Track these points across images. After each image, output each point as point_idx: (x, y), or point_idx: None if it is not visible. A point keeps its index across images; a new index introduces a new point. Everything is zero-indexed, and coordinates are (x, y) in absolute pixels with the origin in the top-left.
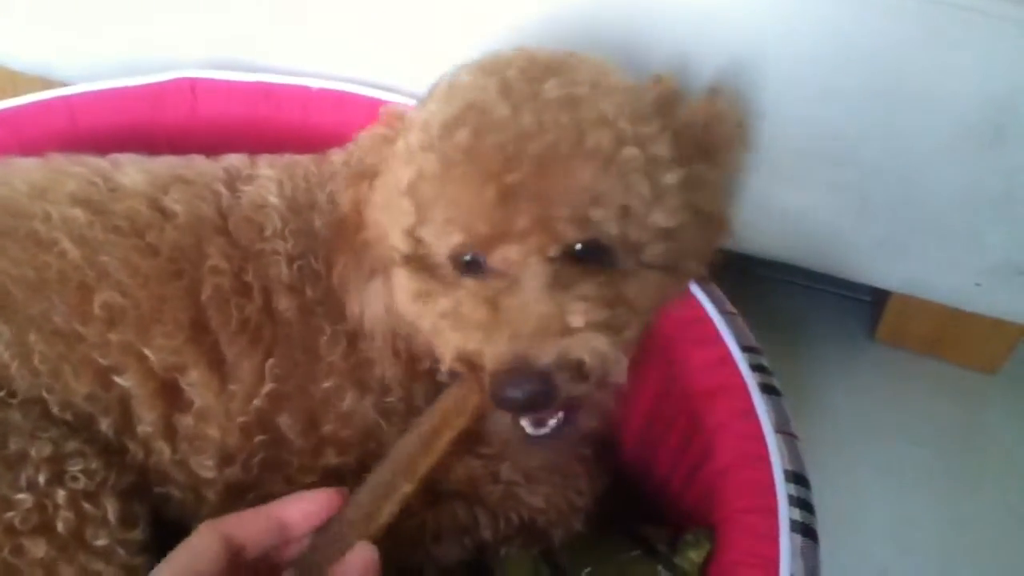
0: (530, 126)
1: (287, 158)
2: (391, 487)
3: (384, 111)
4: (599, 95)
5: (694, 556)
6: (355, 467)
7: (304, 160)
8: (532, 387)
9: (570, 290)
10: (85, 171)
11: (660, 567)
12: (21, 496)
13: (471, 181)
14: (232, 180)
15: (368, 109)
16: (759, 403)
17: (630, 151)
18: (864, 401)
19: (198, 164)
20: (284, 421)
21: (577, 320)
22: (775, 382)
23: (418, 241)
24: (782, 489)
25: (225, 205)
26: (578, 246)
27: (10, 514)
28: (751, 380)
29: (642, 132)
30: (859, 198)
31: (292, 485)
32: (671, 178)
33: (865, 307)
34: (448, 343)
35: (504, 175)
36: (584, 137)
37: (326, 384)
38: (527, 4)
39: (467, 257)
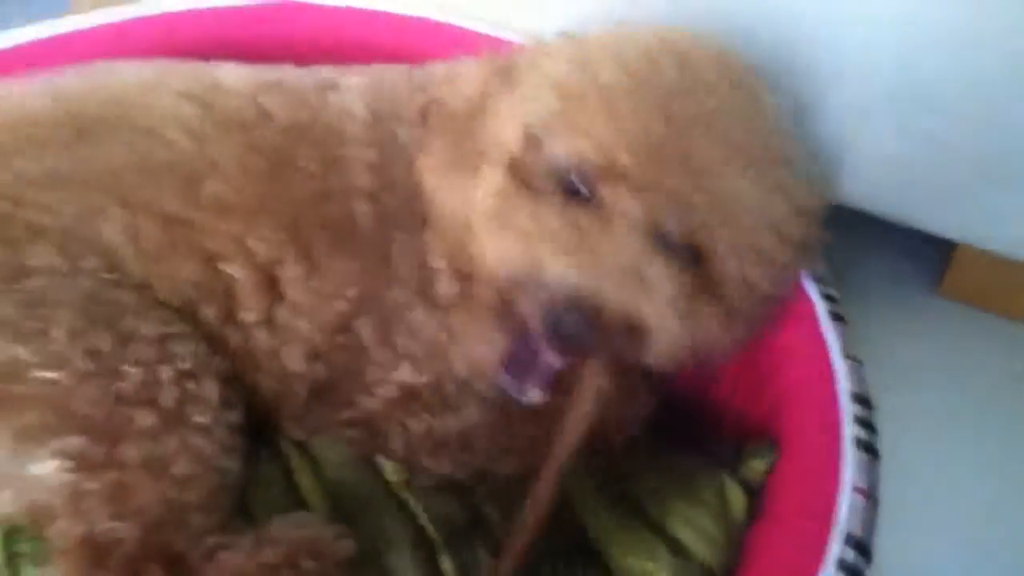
0: (719, 116)
1: (376, 69)
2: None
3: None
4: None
5: (758, 465)
6: (431, 386)
7: (393, 72)
8: (586, 333)
9: (660, 265)
10: (189, 70)
11: (725, 475)
12: (132, 369)
13: (644, 113)
14: (322, 87)
15: (444, 35)
16: (827, 328)
17: (784, 201)
18: (924, 355)
19: (291, 71)
20: (362, 327)
21: (662, 286)
22: (842, 311)
23: (531, 143)
24: (847, 408)
25: (314, 111)
26: (687, 242)
27: (122, 384)
28: (820, 307)
29: (799, 197)
30: (934, 145)
31: (372, 396)
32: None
33: (931, 262)
34: (510, 251)
35: (678, 133)
36: (764, 168)
37: (397, 295)
38: None
39: (577, 178)
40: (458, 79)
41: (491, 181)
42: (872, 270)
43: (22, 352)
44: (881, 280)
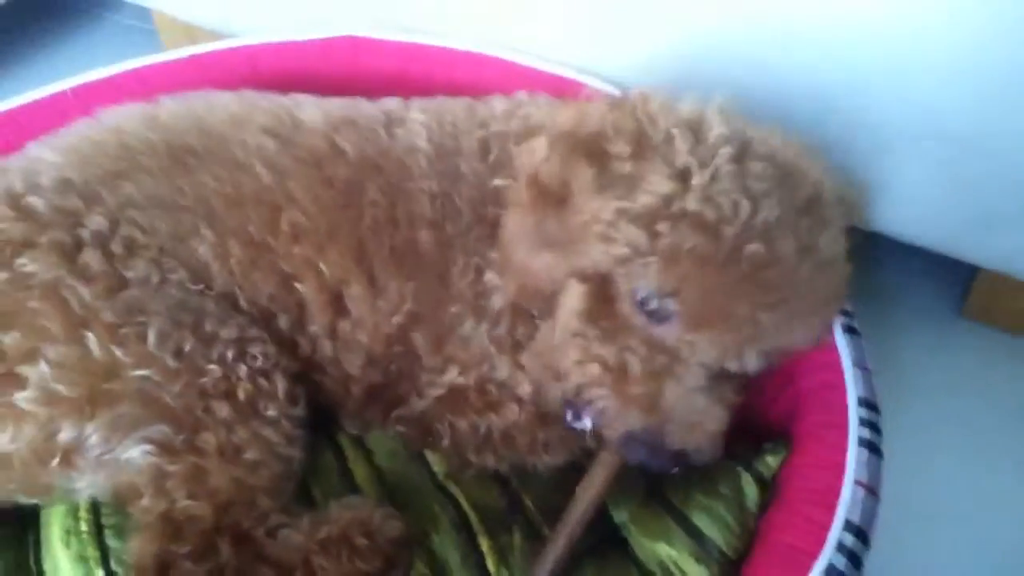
0: (801, 283)
1: (438, 103)
2: (573, 537)
3: (623, 96)
4: (834, 243)
5: (772, 461)
6: (476, 387)
7: (455, 105)
8: (659, 458)
9: (717, 400)
10: (272, 106)
11: (740, 468)
12: (212, 367)
13: (739, 289)
14: (390, 123)
15: (503, 71)
16: (840, 339)
17: (836, 307)
18: (948, 374)
19: (362, 107)
20: (417, 337)
21: (713, 424)
22: (855, 324)
23: (620, 264)
24: (854, 411)
25: (383, 146)
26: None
27: (203, 380)
28: (836, 321)
29: (844, 273)
30: (955, 174)
31: (421, 397)
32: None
33: (955, 285)
34: (590, 379)
35: (765, 307)
36: (817, 294)
37: (452, 309)
38: None
39: (659, 307)
40: (537, 147)
41: (574, 297)
42: (899, 293)
43: (119, 353)
44: (907, 302)
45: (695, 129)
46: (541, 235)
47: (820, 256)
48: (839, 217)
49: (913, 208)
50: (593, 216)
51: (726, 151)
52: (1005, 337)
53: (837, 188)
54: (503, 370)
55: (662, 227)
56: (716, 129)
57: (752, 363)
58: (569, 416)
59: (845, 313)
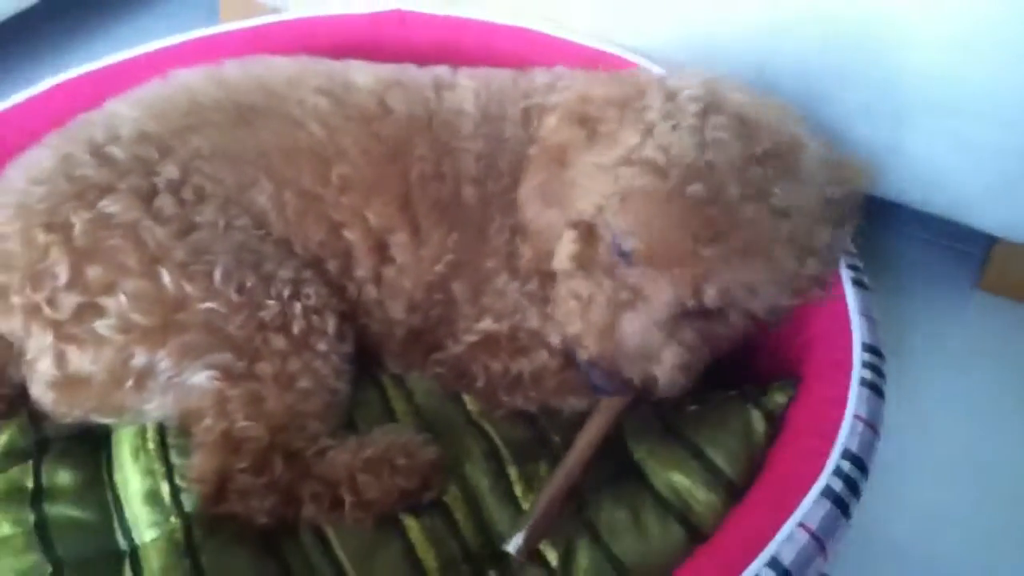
0: (736, 213)
1: (485, 71)
2: (576, 475)
3: (628, 72)
4: (797, 194)
5: (779, 398)
6: (507, 334)
7: (501, 75)
8: (613, 385)
9: (675, 334)
10: (326, 69)
11: (750, 405)
12: (271, 302)
13: (682, 223)
14: (438, 87)
15: (545, 45)
16: (848, 290)
17: (791, 252)
18: (964, 344)
19: (412, 72)
20: (456, 287)
21: (668, 358)
22: (864, 278)
23: (600, 213)
24: (858, 354)
25: (431, 107)
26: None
27: (262, 314)
28: (845, 274)
29: (814, 230)
30: (972, 143)
31: (457, 342)
32: (810, 265)
33: (972, 257)
34: (569, 323)
35: (705, 242)
36: (772, 236)
37: (489, 263)
38: None
39: (627, 252)
40: (548, 123)
41: (567, 244)
42: (917, 263)
43: (189, 288)
44: (925, 272)
45: (671, 94)
46: (545, 195)
47: (772, 202)
48: (814, 178)
49: (931, 177)
50: (580, 171)
51: (692, 108)
52: (1021, 308)
53: (827, 153)
54: (534, 320)
55: (623, 173)
56: (689, 92)
57: (711, 299)
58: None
59: (853, 268)
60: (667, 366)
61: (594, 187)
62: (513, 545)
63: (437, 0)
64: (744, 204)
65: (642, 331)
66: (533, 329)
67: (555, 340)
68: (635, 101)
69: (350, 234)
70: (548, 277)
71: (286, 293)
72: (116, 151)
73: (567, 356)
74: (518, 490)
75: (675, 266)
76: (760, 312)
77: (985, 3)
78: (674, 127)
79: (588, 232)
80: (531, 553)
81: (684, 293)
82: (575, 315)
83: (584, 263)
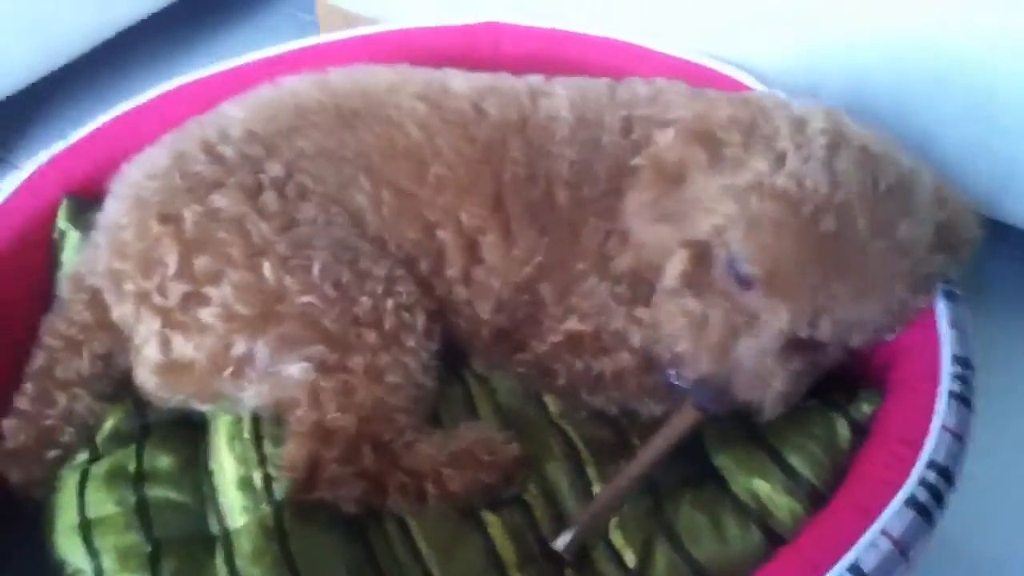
0: (864, 249)
1: (580, 80)
2: (636, 481)
3: (749, 95)
4: (915, 242)
5: (866, 408)
6: (592, 334)
7: (596, 84)
8: (720, 404)
9: (787, 362)
10: (424, 76)
11: (834, 414)
12: (364, 299)
13: (811, 257)
14: (534, 94)
15: (638, 58)
16: (939, 301)
17: (907, 289)
18: None
19: (507, 79)
20: (544, 288)
21: (777, 385)
22: (956, 289)
23: (719, 235)
24: (947, 365)
25: (526, 113)
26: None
27: (356, 309)
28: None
29: (927, 264)
30: None
31: (542, 341)
32: (919, 300)
33: None
34: (678, 342)
35: (833, 277)
36: (892, 274)
37: (579, 265)
38: None
39: (746, 276)
40: (667, 136)
41: (677, 261)
42: (1009, 281)
43: (288, 280)
44: (1018, 291)
45: (799, 123)
46: (657, 210)
47: (896, 239)
48: (929, 210)
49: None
50: (702, 192)
51: (822, 140)
52: None
53: (940, 187)
54: (618, 321)
55: (753, 200)
56: (817, 123)
57: (825, 333)
58: (672, 374)
59: (945, 280)
60: (775, 392)
61: (717, 209)
62: (561, 542)
63: (532, 12)
64: (872, 241)
65: (756, 356)
66: (617, 330)
67: (636, 341)
68: (762, 127)
69: (443, 234)
70: (640, 283)
71: (379, 290)
72: (226, 150)
73: (648, 359)
74: (596, 489)
75: (797, 297)
76: (861, 344)
77: None
78: (806, 159)
79: (702, 252)
80: (577, 551)
81: (801, 324)
82: (686, 333)
83: (695, 283)
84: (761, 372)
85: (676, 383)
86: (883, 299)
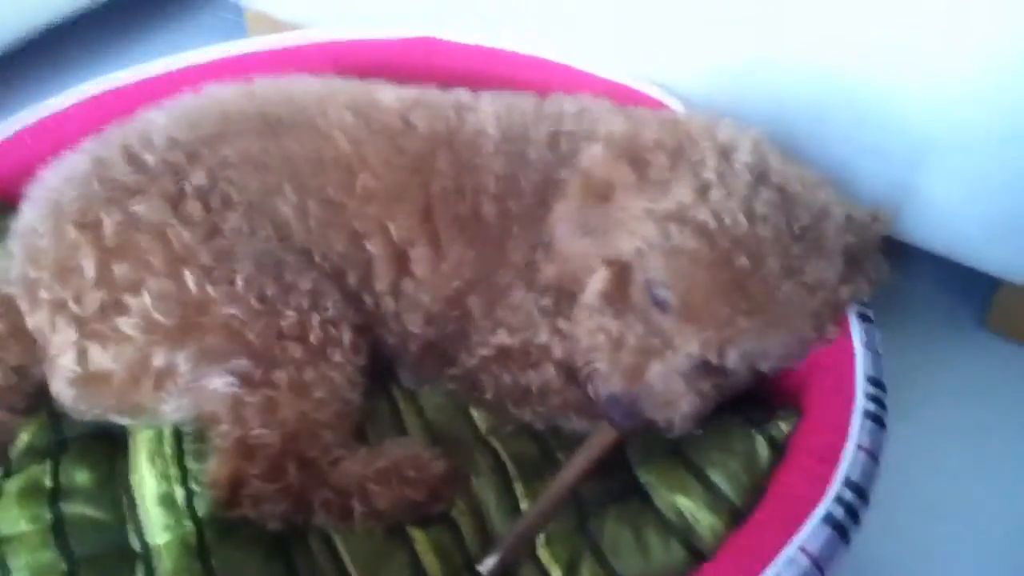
0: (774, 288)
1: (506, 96)
2: (558, 503)
3: (678, 117)
4: (825, 269)
5: (784, 426)
6: (519, 348)
7: (522, 99)
8: (632, 422)
9: (696, 384)
10: (352, 87)
11: (754, 431)
12: (290, 312)
13: (722, 291)
14: (460, 109)
15: (568, 76)
16: (853, 323)
17: (813, 324)
18: (967, 383)
19: (434, 94)
20: (473, 301)
21: (685, 406)
22: (870, 313)
23: (639, 258)
24: (860, 385)
25: (453, 127)
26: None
27: (281, 322)
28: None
29: (835, 299)
30: (980, 186)
31: (471, 355)
32: (827, 332)
33: (978, 297)
34: (596, 358)
35: (741, 312)
36: (799, 311)
37: (505, 278)
38: None
39: (663, 301)
40: (595, 151)
41: (598, 279)
42: (922, 303)
43: (211, 291)
44: (931, 312)
45: (726, 154)
46: (583, 224)
47: (805, 279)
48: (838, 245)
49: (939, 219)
50: (626, 213)
51: (746, 177)
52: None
53: (849, 210)
54: (544, 335)
55: (673, 228)
56: (743, 157)
57: (732, 361)
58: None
59: (861, 303)
60: (683, 412)
61: (639, 231)
62: (486, 566)
63: (467, 27)
64: (782, 281)
65: (666, 378)
66: (543, 343)
67: (559, 354)
68: (688, 151)
69: (371, 245)
70: (564, 295)
71: (305, 303)
72: (148, 156)
73: (570, 374)
74: (524, 505)
75: (708, 326)
76: (769, 371)
77: (998, 44)
78: (728, 195)
79: (622, 271)
80: (504, 574)
81: (710, 352)
82: (603, 351)
83: (614, 301)
84: (670, 393)
85: (593, 397)
86: (789, 334)
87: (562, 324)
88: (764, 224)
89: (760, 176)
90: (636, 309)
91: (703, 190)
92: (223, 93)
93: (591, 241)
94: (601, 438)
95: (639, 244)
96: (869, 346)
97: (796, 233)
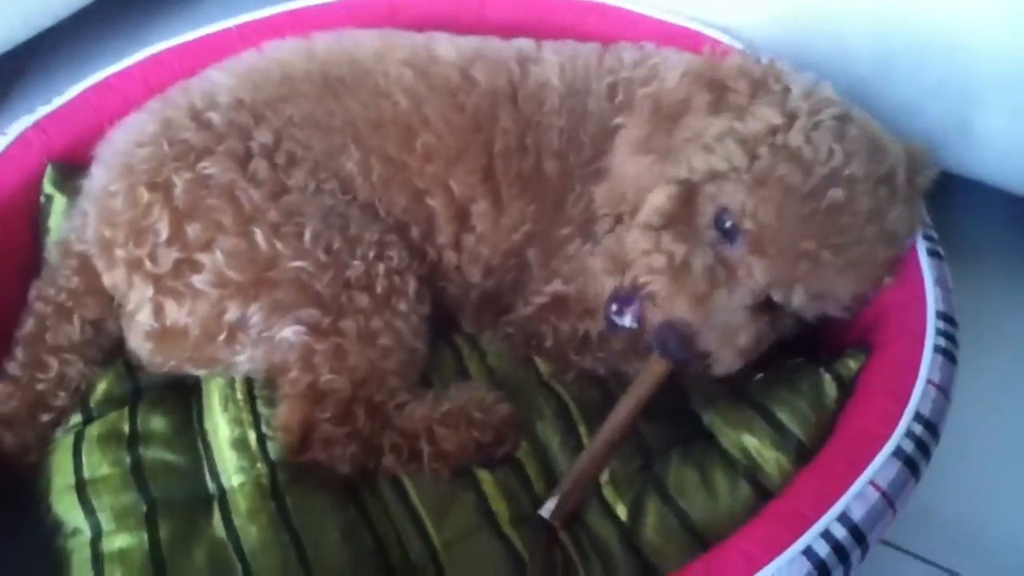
0: (864, 241)
1: (570, 46)
2: (611, 445)
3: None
4: (899, 231)
5: (852, 364)
6: (575, 296)
7: (586, 50)
8: (685, 353)
9: (753, 323)
10: (411, 42)
11: (822, 369)
12: (356, 263)
13: (810, 224)
14: (523, 60)
15: (630, 21)
16: (923, 259)
17: (884, 272)
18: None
19: (495, 44)
20: (531, 253)
21: (741, 342)
22: (940, 249)
23: (709, 179)
24: (932, 322)
25: (516, 80)
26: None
27: (348, 273)
28: (920, 245)
29: (901, 249)
30: None
31: (527, 303)
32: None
33: None
34: (651, 279)
35: (826, 248)
36: (876, 257)
37: (564, 231)
38: None
39: (730, 228)
40: (670, 71)
41: (661, 196)
42: (984, 242)
43: (279, 246)
44: (992, 251)
45: (808, 89)
46: (646, 143)
47: (885, 225)
48: (910, 198)
49: (999, 153)
50: (702, 132)
51: (831, 110)
52: None
53: (912, 152)
54: (599, 283)
55: (762, 151)
56: (825, 94)
57: (797, 301)
58: (613, 309)
59: (929, 238)
60: (737, 348)
61: (718, 150)
62: (546, 510)
63: None
64: (867, 224)
65: (729, 310)
66: (598, 292)
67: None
68: (771, 84)
69: (433, 201)
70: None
71: (371, 255)
72: (214, 116)
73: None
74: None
75: (782, 261)
76: (815, 318)
77: None
78: (816, 125)
79: (688, 193)
80: (565, 518)
81: (778, 288)
82: (662, 274)
83: (677, 221)
84: (730, 326)
85: (614, 319)
86: (862, 282)
87: (596, 251)
88: (857, 159)
89: (844, 114)
90: (700, 233)
91: (791, 115)
92: (284, 53)
93: (652, 160)
94: (648, 375)
95: (718, 164)
96: (940, 282)
97: (881, 177)
